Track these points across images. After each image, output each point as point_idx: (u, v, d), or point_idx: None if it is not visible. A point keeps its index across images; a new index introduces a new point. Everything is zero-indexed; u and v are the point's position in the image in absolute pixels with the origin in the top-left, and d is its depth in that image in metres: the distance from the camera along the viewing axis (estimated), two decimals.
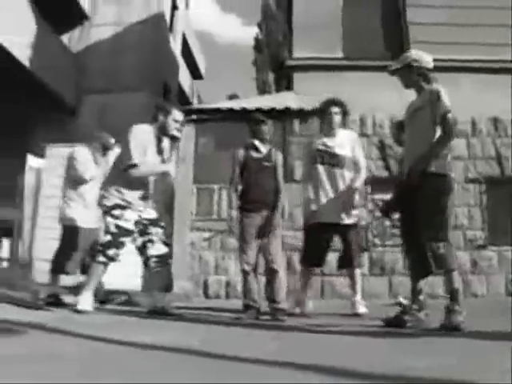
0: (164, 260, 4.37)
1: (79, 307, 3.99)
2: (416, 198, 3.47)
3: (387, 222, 7.63)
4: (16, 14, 10.13)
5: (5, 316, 3.46)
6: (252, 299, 4.40)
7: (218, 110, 7.54)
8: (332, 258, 5.19)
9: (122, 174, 4.16)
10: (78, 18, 13.88)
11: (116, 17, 14.06)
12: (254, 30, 56.05)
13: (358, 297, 4.86)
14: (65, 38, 13.67)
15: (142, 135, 4.20)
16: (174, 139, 4.37)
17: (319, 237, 4.83)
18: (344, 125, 5.16)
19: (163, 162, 4.36)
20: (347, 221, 4.83)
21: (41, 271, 7.07)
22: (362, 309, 4.75)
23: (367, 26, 9.09)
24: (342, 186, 4.87)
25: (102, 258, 4.10)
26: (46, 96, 11.71)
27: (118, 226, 4.14)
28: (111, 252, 4.10)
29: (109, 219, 4.17)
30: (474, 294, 7.51)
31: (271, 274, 4.40)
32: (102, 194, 4.32)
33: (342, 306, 5.14)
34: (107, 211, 4.19)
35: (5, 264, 8.04)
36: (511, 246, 7.76)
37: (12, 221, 7.86)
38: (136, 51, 13.37)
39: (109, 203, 4.20)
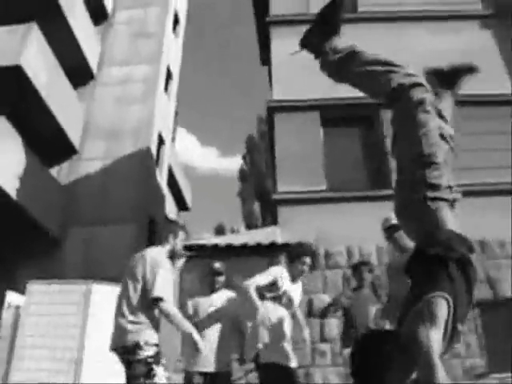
0: None
1: None
2: None
3: None
4: (3, 145, 10.26)
5: None
6: None
7: (203, 247, 7.44)
8: None
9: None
10: (67, 151, 14.15)
11: (105, 151, 14.41)
12: (233, 161, 59.21)
13: None
14: (54, 170, 13.85)
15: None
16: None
17: None
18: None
19: None
20: None
21: None
22: None
23: (348, 157, 9.39)
24: None
25: None
26: (30, 228, 11.57)
27: None
28: None
29: None
30: None
31: None
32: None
33: None
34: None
35: None
36: None
37: None
38: (123, 185, 13.54)
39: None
